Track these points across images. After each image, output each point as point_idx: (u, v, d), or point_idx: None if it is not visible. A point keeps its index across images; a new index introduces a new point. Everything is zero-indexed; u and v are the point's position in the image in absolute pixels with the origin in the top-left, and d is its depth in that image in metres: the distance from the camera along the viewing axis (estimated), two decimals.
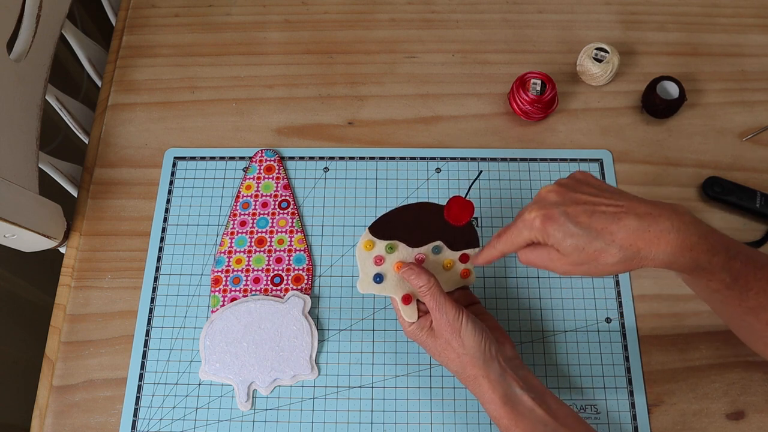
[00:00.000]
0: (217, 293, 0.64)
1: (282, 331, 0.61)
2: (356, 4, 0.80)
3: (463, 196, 0.55)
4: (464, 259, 0.56)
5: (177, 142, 0.72)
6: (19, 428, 0.78)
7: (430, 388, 0.60)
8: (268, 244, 0.66)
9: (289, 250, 0.65)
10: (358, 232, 0.67)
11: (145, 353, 0.62)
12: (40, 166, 0.66)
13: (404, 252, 0.55)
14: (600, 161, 0.69)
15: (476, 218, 0.66)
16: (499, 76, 0.75)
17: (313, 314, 0.63)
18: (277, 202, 0.67)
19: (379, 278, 0.55)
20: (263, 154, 0.70)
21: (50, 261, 0.75)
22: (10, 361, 0.81)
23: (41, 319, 0.69)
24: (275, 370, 0.60)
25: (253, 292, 0.64)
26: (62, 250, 0.68)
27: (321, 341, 0.62)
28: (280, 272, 0.64)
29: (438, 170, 0.69)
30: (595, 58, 0.72)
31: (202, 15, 0.80)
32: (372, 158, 0.70)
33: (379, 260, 0.55)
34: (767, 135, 0.71)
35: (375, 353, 0.62)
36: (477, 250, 0.55)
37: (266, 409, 0.60)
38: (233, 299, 0.63)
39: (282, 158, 0.70)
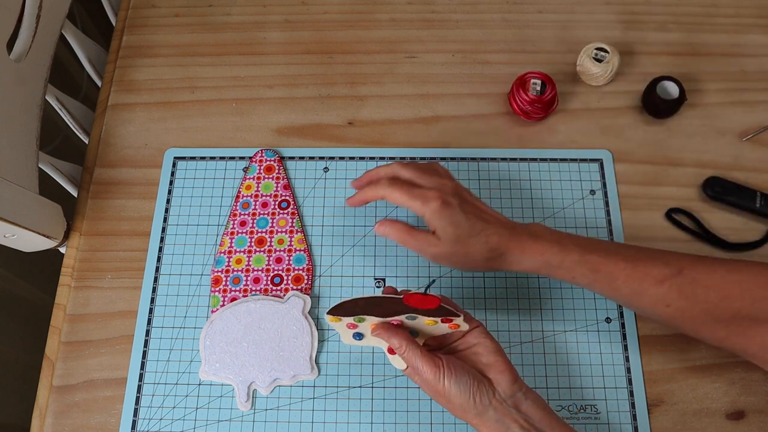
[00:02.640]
0: (217, 293, 0.64)
1: (282, 331, 0.61)
2: (356, 4, 0.80)
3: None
4: (446, 321, 0.51)
5: (177, 142, 0.72)
6: (19, 428, 0.78)
7: None
8: (268, 244, 0.66)
9: (289, 250, 0.65)
10: (358, 232, 0.67)
11: (145, 353, 0.62)
12: (40, 166, 0.66)
13: (375, 320, 0.52)
14: (600, 161, 0.69)
15: None
16: (499, 76, 0.75)
17: (313, 314, 0.63)
18: (277, 202, 0.67)
19: (359, 336, 0.54)
20: (263, 154, 0.70)
21: (50, 261, 0.75)
22: (10, 361, 0.81)
23: (41, 319, 0.69)
24: (275, 370, 0.60)
25: (253, 292, 0.64)
26: (62, 250, 0.68)
27: (321, 341, 0.62)
28: (280, 272, 0.64)
29: None
30: (595, 58, 0.72)
31: (202, 15, 0.80)
32: (372, 158, 0.70)
33: (353, 326, 0.53)
34: (767, 135, 0.71)
35: (375, 353, 0.62)
36: (461, 318, 0.50)
37: (266, 409, 0.60)
38: (233, 299, 0.63)
39: (282, 158, 0.70)
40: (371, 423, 0.59)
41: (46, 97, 0.69)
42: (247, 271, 0.64)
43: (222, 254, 0.65)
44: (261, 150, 0.70)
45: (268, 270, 0.64)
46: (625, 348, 0.61)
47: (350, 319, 0.52)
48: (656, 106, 0.70)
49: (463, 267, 0.56)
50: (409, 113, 0.73)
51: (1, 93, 0.59)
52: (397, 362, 0.52)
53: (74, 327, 0.63)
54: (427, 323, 0.51)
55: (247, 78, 0.76)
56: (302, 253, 0.65)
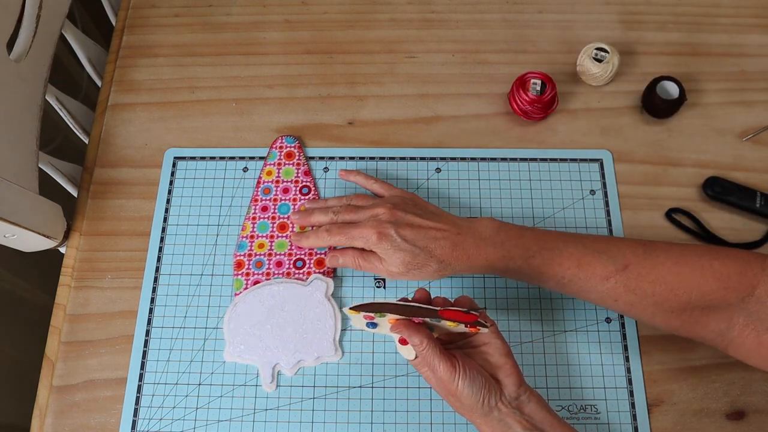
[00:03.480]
0: (240, 276, 0.64)
1: (305, 314, 0.62)
2: (356, 4, 0.80)
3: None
4: (473, 327, 0.51)
5: (177, 142, 0.72)
6: (19, 428, 0.78)
7: (430, 388, 0.60)
8: (290, 229, 0.66)
9: None
10: None
11: (145, 353, 0.62)
12: (40, 166, 0.66)
13: (396, 317, 0.51)
14: (600, 161, 0.69)
15: None
16: (499, 76, 0.75)
17: (336, 296, 0.63)
18: (298, 188, 0.68)
19: (372, 326, 0.53)
20: (283, 140, 0.70)
21: (50, 261, 0.75)
22: (10, 361, 0.81)
23: (41, 319, 0.69)
24: (299, 351, 0.60)
25: (276, 276, 0.64)
26: (62, 250, 0.68)
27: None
28: (302, 256, 0.65)
29: (438, 170, 0.69)
30: (595, 58, 0.72)
31: (202, 15, 0.80)
32: (372, 158, 0.70)
33: (369, 318, 0.52)
34: (767, 135, 0.71)
35: (375, 353, 0.62)
36: (487, 327, 0.50)
37: (266, 409, 0.60)
38: (256, 282, 0.64)
39: (302, 144, 0.70)
40: (371, 423, 0.59)
41: (46, 97, 0.69)
42: (270, 255, 0.65)
43: (244, 239, 0.66)
44: (281, 136, 0.71)
45: (290, 254, 0.65)
46: (625, 348, 0.61)
47: (369, 314, 0.51)
48: (656, 106, 0.70)
49: (420, 279, 0.59)
50: (409, 113, 0.73)
51: (1, 93, 0.59)
52: (407, 352, 0.52)
53: (74, 327, 0.63)
54: (449, 325, 0.51)
55: (247, 78, 0.76)
56: None
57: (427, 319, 0.51)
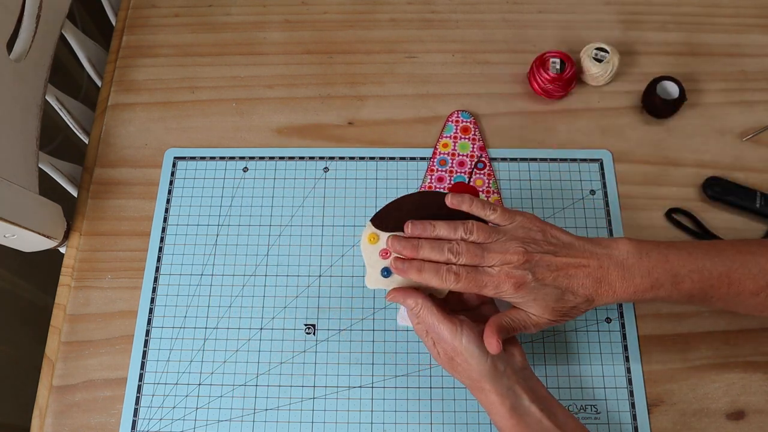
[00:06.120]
0: None
1: None
2: (356, 4, 0.80)
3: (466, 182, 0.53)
4: None
5: (177, 142, 0.72)
6: (19, 428, 0.78)
7: (430, 388, 0.60)
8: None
9: None
10: (358, 232, 0.67)
11: (145, 353, 0.62)
12: (40, 166, 0.66)
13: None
14: (600, 161, 0.69)
15: None
16: (499, 76, 0.75)
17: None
18: (473, 163, 0.68)
19: (387, 272, 0.52)
20: (459, 115, 0.71)
21: (50, 261, 0.75)
22: (10, 361, 0.81)
23: (41, 319, 0.69)
24: None
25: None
26: (62, 250, 0.68)
27: (320, 341, 0.62)
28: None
29: None
30: (595, 58, 0.72)
31: (202, 15, 0.80)
32: (372, 158, 0.70)
33: (385, 253, 0.52)
34: (767, 135, 0.71)
35: (375, 353, 0.62)
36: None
37: (266, 409, 0.60)
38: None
39: (477, 120, 0.71)
40: (371, 423, 0.59)
41: (46, 97, 0.69)
42: None
43: None
44: (456, 111, 0.72)
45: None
46: (625, 348, 0.61)
47: (388, 239, 0.51)
48: (656, 106, 0.70)
49: (566, 321, 0.53)
50: (409, 113, 0.73)
51: (1, 93, 0.59)
52: (407, 319, 0.52)
53: (74, 327, 0.63)
54: None
55: (247, 78, 0.76)
56: None
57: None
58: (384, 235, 0.52)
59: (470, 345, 0.48)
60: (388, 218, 0.53)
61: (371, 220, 0.53)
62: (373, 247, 0.53)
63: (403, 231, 0.52)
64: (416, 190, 0.53)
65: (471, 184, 0.52)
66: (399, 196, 0.54)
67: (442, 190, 0.52)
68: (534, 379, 0.51)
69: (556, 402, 0.51)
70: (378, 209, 0.53)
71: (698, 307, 0.56)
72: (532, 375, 0.52)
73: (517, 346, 0.52)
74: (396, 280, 0.52)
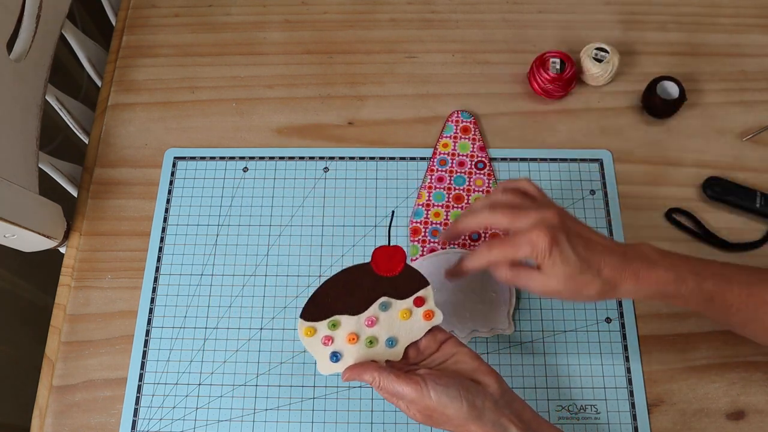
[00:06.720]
0: (416, 243, 0.65)
1: (484, 285, 0.61)
2: (356, 4, 0.80)
3: (386, 243, 0.52)
4: (419, 302, 0.51)
5: (177, 142, 0.72)
6: (19, 428, 0.78)
7: None
8: (466, 201, 0.67)
9: None
10: (358, 232, 0.67)
11: (145, 353, 0.62)
12: (40, 166, 0.66)
13: (350, 322, 0.51)
14: (600, 161, 0.69)
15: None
16: (499, 76, 0.75)
17: None
18: (473, 162, 0.69)
19: (336, 357, 0.51)
20: (459, 115, 0.71)
21: (50, 261, 0.75)
22: (10, 361, 0.81)
23: (41, 319, 0.69)
24: (473, 321, 0.60)
25: (452, 245, 0.65)
26: (62, 250, 0.68)
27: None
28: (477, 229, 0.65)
29: None
30: (595, 58, 0.72)
31: (202, 15, 0.80)
32: (372, 158, 0.70)
33: (327, 340, 0.51)
34: (767, 135, 0.71)
35: None
36: (429, 287, 0.52)
37: (266, 409, 0.60)
38: (432, 251, 0.64)
39: (477, 120, 0.71)
40: (371, 423, 0.59)
41: (46, 97, 0.69)
42: (446, 225, 0.66)
43: (420, 206, 0.67)
44: (456, 111, 0.72)
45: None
46: (625, 348, 0.61)
47: (324, 328, 0.51)
48: (656, 106, 0.70)
49: (572, 300, 0.52)
50: (409, 113, 0.73)
51: (1, 93, 0.59)
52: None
53: (74, 327, 0.63)
54: (401, 316, 0.51)
55: (247, 78, 0.76)
56: None
57: (379, 311, 0.51)
58: (320, 325, 0.51)
59: (441, 397, 0.46)
60: (318, 308, 0.51)
61: (301, 316, 0.51)
62: (313, 339, 0.51)
63: (336, 315, 0.51)
64: (333, 274, 0.53)
65: (391, 245, 0.51)
66: (319, 285, 0.52)
67: (362, 263, 0.51)
68: (517, 401, 0.49)
69: (542, 420, 0.50)
70: (304, 304, 0.51)
71: (716, 321, 0.54)
72: (514, 398, 0.49)
73: (489, 374, 0.49)
74: (347, 361, 0.51)
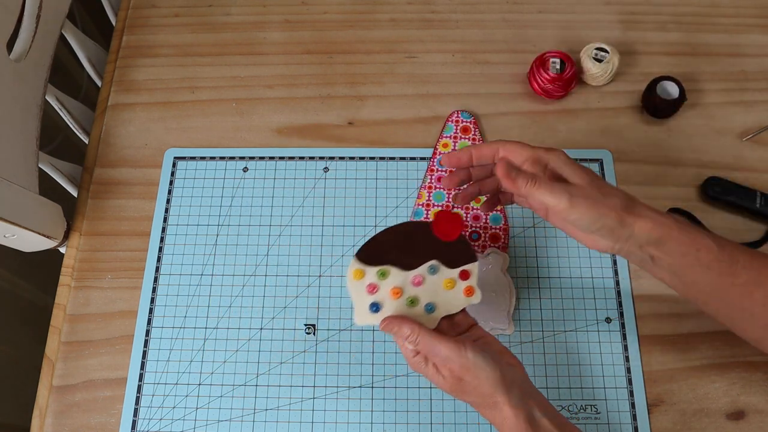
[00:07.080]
0: None
1: (483, 285, 0.60)
2: (356, 4, 0.80)
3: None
4: (464, 275, 0.51)
5: (177, 142, 0.72)
6: (19, 428, 0.78)
7: (430, 388, 0.60)
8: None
9: None
10: (358, 232, 0.67)
11: (145, 353, 0.62)
12: (40, 166, 0.66)
13: (398, 276, 0.51)
14: (600, 161, 0.69)
15: (478, 230, 0.66)
16: (499, 76, 0.75)
17: (511, 273, 0.63)
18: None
19: (375, 307, 0.51)
20: (459, 115, 0.71)
21: (50, 261, 0.75)
22: (10, 361, 0.81)
23: (41, 319, 0.69)
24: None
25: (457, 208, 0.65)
26: (62, 250, 0.68)
27: (320, 341, 0.62)
28: (477, 229, 0.65)
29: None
30: (595, 58, 0.72)
31: (202, 15, 0.80)
32: (372, 158, 0.70)
33: (372, 288, 0.51)
34: (767, 135, 0.71)
35: (375, 353, 0.62)
36: (476, 264, 0.52)
37: (266, 409, 0.60)
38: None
39: (477, 120, 0.71)
40: (371, 423, 0.59)
41: (46, 97, 0.69)
42: None
43: (420, 206, 0.67)
44: (456, 111, 0.72)
45: (465, 226, 0.65)
46: (625, 348, 0.61)
47: (373, 275, 0.51)
48: (656, 106, 0.70)
49: (589, 224, 0.48)
50: (409, 113, 0.73)
51: (1, 93, 0.59)
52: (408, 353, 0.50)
53: (74, 327, 0.63)
54: (445, 285, 0.51)
55: (247, 78, 0.76)
56: (499, 213, 0.66)
57: (426, 273, 0.51)
58: (370, 270, 0.51)
59: (477, 358, 0.47)
60: (374, 253, 0.52)
61: (356, 255, 0.51)
62: (359, 283, 0.51)
63: (387, 265, 0.51)
64: (400, 222, 0.52)
65: (454, 211, 0.50)
66: (383, 229, 0.52)
67: (424, 220, 0.50)
68: (536, 391, 0.50)
69: (559, 414, 0.49)
70: (363, 244, 0.52)
71: (716, 291, 0.50)
72: (534, 388, 0.50)
73: (517, 360, 0.50)
74: (385, 314, 0.51)
